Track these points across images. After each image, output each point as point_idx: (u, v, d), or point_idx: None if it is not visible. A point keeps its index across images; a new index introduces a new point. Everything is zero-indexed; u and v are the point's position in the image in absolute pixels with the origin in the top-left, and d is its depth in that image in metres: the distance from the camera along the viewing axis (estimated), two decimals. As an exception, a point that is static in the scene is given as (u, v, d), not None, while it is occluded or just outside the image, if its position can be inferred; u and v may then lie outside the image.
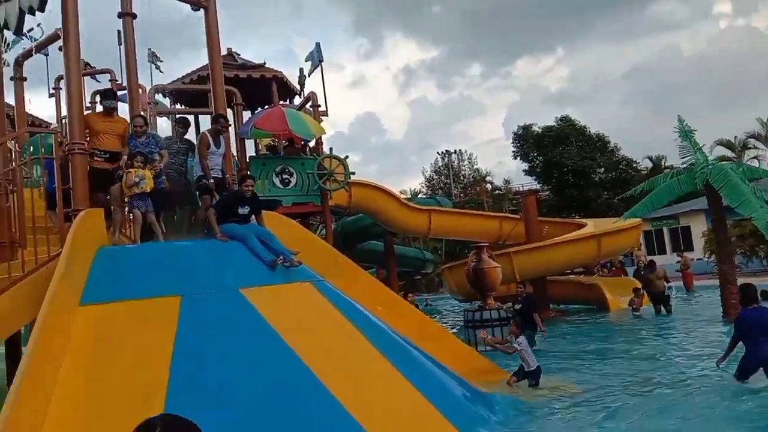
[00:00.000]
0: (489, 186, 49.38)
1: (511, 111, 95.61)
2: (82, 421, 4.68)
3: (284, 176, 15.44)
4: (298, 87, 20.26)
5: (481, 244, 12.64)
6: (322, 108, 17.58)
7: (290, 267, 6.77)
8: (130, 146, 7.52)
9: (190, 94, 18.65)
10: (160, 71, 20.46)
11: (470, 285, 12.44)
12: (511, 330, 8.58)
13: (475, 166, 57.03)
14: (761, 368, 6.93)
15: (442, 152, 60.71)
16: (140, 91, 15.51)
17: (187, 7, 8.98)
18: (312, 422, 5.14)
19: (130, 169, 7.02)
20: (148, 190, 7.00)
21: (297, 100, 21.56)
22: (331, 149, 16.37)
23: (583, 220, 18.29)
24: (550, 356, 10.09)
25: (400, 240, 28.51)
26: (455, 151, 60.18)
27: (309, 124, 15.12)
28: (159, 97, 20.71)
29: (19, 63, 11.68)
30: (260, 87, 19.28)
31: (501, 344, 8.94)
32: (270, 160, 16.03)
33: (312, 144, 16.70)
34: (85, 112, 7.78)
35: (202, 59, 18.72)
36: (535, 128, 43.95)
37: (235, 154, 15.80)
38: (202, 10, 8.89)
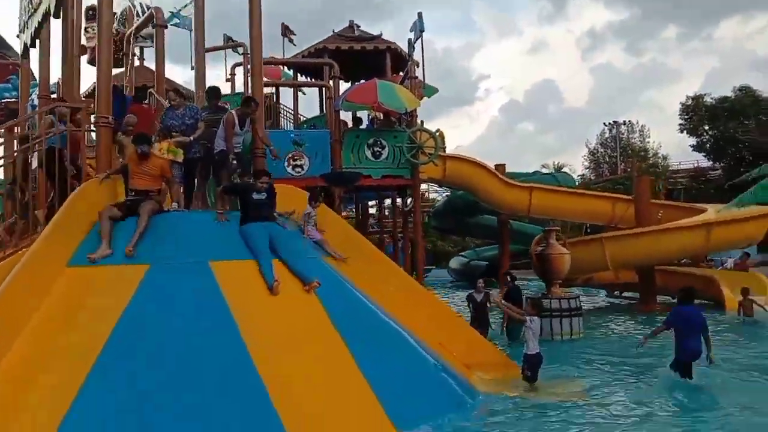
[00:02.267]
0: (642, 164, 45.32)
1: (710, 79, 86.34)
2: (22, 373, 5.27)
3: (376, 149, 15.56)
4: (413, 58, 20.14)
5: (551, 228, 11.70)
6: (420, 79, 17.36)
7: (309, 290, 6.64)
8: (167, 117, 8.01)
9: (311, 66, 19.44)
10: (293, 44, 21.47)
11: (535, 271, 11.63)
12: (528, 311, 8.05)
13: (647, 139, 52.34)
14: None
15: (609, 123, 56.38)
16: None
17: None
18: (230, 398, 5.26)
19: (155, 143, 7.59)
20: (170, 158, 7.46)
21: (419, 72, 21.48)
22: (422, 122, 16.13)
23: (704, 206, 15.98)
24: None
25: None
26: (624, 123, 55.71)
27: (402, 97, 15.00)
28: (286, 70, 21.86)
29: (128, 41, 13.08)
30: (375, 59, 19.48)
31: (515, 312, 8.65)
32: (363, 132, 16.21)
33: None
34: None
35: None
36: (709, 99, 39.02)
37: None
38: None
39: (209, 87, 8.88)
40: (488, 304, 10.92)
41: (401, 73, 19.22)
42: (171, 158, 7.44)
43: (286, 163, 15.09)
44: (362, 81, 18.44)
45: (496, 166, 19.23)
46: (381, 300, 7.61)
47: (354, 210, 23.62)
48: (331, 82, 16.88)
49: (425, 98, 21.09)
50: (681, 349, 7.52)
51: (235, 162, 8.21)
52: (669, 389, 7.35)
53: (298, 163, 15.15)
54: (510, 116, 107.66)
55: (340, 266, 7.69)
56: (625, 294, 16.77)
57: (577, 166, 61.11)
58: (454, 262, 27.64)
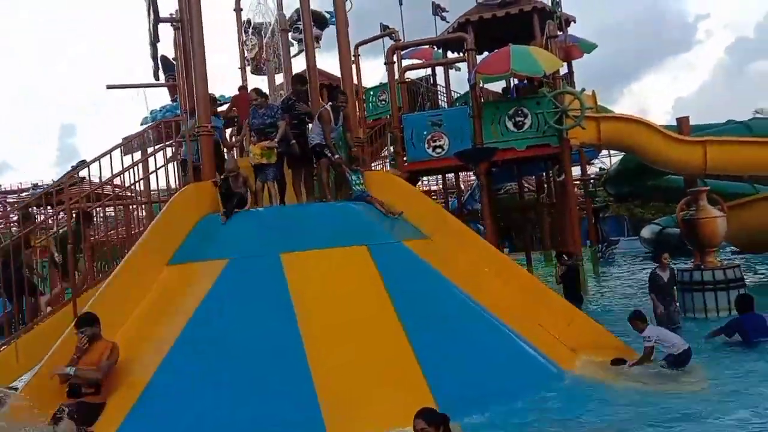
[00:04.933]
0: None
1: None
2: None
3: (517, 119, 14.88)
4: (564, 15, 18.83)
5: (701, 189, 10.04)
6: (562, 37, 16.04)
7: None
8: (252, 117, 8.39)
9: (453, 41, 19.11)
10: (446, 21, 21.40)
11: (683, 239, 10.12)
12: (634, 326, 7.08)
13: None
14: None
15: None
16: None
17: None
18: (277, 382, 5.58)
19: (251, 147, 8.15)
20: (264, 162, 7.96)
21: (572, 29, 20.07)
22: (563, 83, 14.88)
23: None
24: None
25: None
26: None
27: (539, 61, 14.08)
28: (437, 49, 21.84)
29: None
30: (523, 22, 18.54)
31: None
32: (502, 103, 15.51)
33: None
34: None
35: None
36: None
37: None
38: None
39: (295, 74, 9.11)
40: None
41: (560, 33, 17.97)
42: (265, 161, 7.90)
43: (426, 145, 15.13)
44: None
45: (678, 119, 17.02)
46: (467, 282, 7.36)
47: (517, 186, 22.81)
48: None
49: (585, 55, 19.55)
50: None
51: (336, 156, 8.34)
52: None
53: (438, 143, 15.09)
54: (739, 56, 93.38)
55: (425, 249, 7.57)
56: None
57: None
58: (646, 231, 25.06)
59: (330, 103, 8.70)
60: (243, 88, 12.34)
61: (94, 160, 8.85)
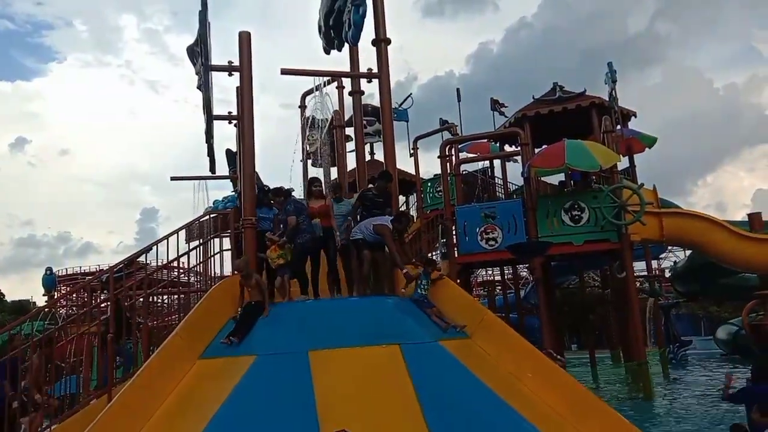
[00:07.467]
0: None
1: None
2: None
3: (574, 213, 14.54)
4: (625, 110, 18.78)
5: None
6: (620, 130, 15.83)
7: None
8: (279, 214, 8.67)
9: (512, 136, 19.23)
10: (505, 116, 21.78)
11: (751, 347, 9.25)
12: (755, 418, 6.33)
13: None
14: None
15: None
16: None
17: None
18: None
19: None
20: (280, 263, 8.13)
21: (632, 123, 19.94)
22: (622, 178, 14.53)
23: None
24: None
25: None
26: None
27: (595, 155, 13.89)
28: (493, 143, 22.10)
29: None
30: (580, 117, 18.58)
31: None
32: (558, 197, 15.23)
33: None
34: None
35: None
36: None
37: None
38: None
39: (383, 170, 9.14)
40: None
41: (618, 127, 17.81)
42: (281, 263, 8.00)
43: (478, 237, 14.91)
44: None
45: (750, 215, 16.18)
46: (508, 388, 6.91)
47: (578, 281, 21.99)
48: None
49: (654, 148, 19.26)
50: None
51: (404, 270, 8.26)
52: None
53: (491, 236, 14.84)
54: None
55: (464, 350, 7.23)
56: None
57: None
58: (721, 332, 23.37)
59: (392, 219, 8.73)
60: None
61: (151, 246, 9.37)
